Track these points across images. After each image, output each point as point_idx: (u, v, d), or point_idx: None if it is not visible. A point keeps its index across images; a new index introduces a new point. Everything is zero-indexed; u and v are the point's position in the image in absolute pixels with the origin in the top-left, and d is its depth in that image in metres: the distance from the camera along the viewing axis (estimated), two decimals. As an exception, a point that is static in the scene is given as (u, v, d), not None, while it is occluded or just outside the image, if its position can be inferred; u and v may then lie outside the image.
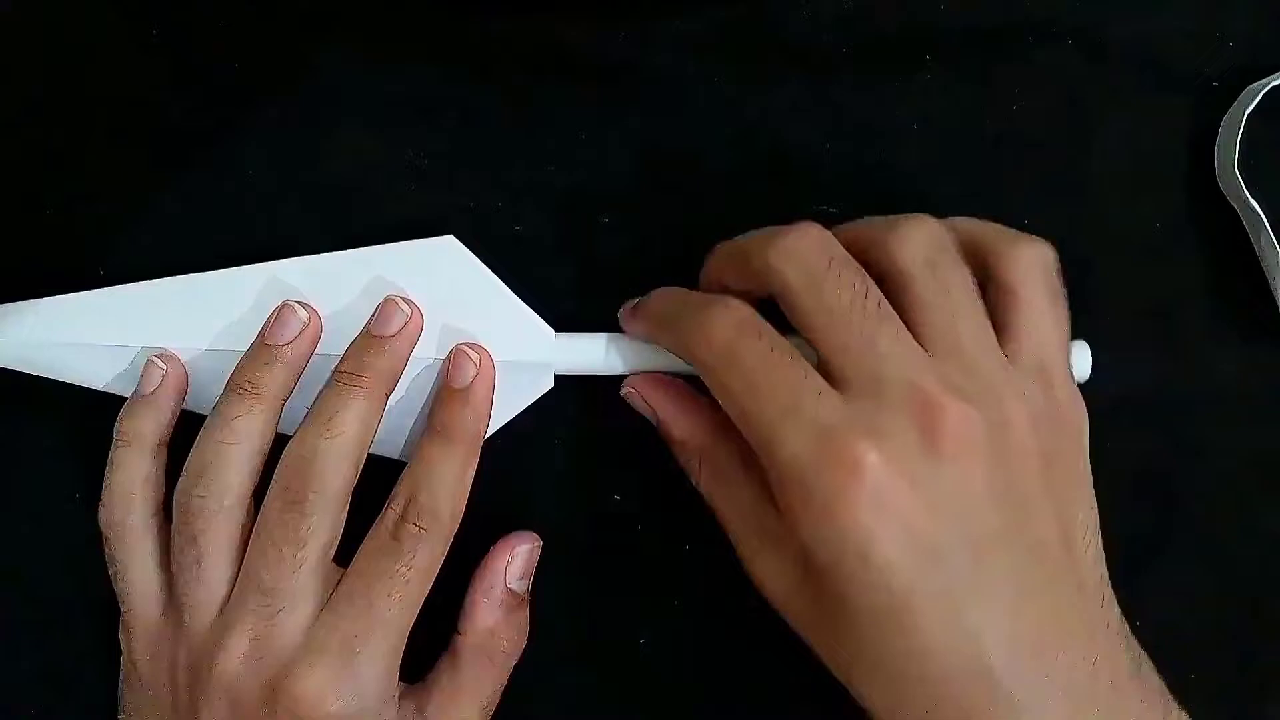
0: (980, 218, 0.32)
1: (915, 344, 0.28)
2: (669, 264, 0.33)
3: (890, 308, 0.29)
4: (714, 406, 0.30)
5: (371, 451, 0.32)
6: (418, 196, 0.36)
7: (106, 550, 0.33)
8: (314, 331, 0.33)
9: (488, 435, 0.33)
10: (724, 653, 0.35)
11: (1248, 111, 0.35)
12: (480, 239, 0.34)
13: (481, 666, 0.32)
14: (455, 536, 0.32)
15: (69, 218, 0.37)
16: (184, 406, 0.34)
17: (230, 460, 0.31)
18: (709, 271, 0.33)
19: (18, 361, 0.34)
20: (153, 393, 0.33)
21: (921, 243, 0.30)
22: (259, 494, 0.32)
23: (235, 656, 0.30)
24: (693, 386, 0.33)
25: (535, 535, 0.34)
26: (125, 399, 0.34)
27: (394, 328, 0.32)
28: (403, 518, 0.31)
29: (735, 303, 0.30)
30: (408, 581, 0.31)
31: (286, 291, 0.33)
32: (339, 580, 0.31)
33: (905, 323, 0.29)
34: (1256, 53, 0.37)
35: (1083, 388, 0.31)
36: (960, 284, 0.29)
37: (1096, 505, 0.30)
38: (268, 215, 0.36)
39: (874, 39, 0.37)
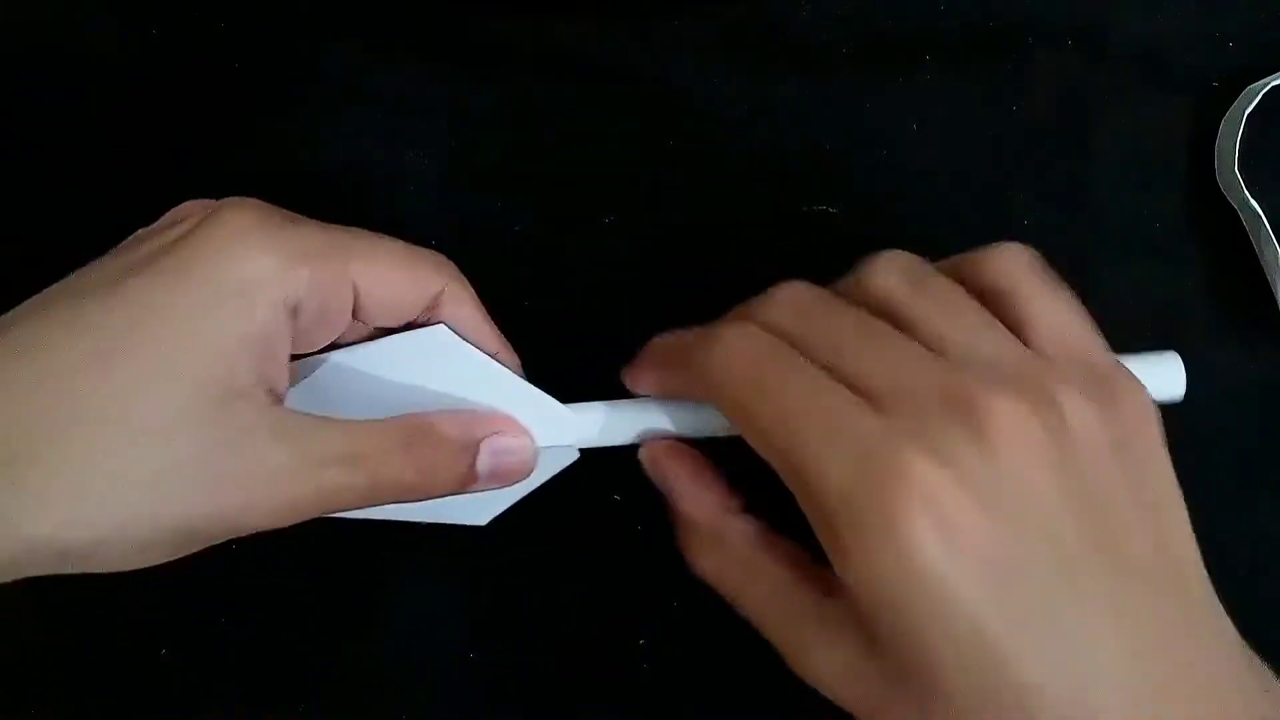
0: (978, 220, 0.31)
1: (930, 353, 0.26)
2: (669, 264, 0.33)
3: (890, 326, 0.27)
4: (729, 490, 0.29)
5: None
6: (417, 197, 0.36)
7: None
8: None
9: (512, 504, 0.32)
10: (723, 653, 0.35)
11: (1248, 111, 0.35)
12: (480, 239, 0.34)
13: (381, 454, 0.27)
14: (453, 537, 0.31)
15: (68, 218, 0.37)
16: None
17: None
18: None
19: None
20: None
21: (894, 269, 0.28)
22: None
23: None
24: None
25: (529, 467, 0.31)
26: None
27: None
28: None
29: (751, 326, 0.27)
30: None
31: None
32: None
33: None
34: (1256, 53, 0.37)
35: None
36: (949, 289, 0.27)
37: (1183, 496, 0.27)
38: (268, 215, 0.36)
39: (874, 39, 0.37)
